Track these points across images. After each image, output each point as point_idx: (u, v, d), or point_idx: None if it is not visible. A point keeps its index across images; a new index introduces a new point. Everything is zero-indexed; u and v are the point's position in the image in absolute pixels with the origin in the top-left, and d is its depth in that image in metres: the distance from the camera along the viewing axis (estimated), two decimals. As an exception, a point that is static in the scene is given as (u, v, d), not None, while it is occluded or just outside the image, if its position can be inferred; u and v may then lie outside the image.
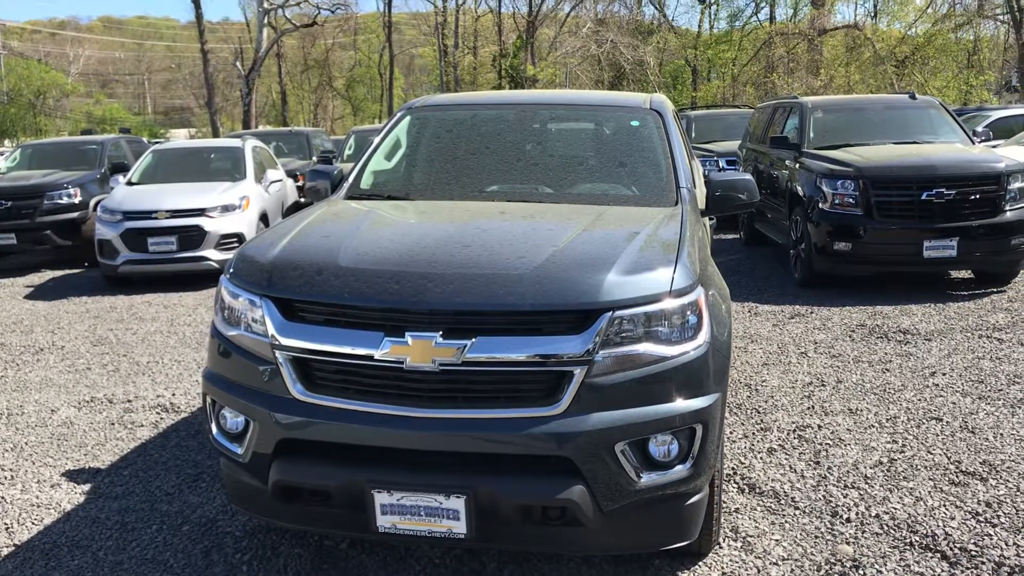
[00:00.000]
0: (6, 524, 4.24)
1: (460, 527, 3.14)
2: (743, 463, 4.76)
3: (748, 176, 4.52)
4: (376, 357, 3.14)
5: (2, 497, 4.56)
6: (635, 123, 4.81)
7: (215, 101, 45.51)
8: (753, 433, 5.21)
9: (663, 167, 4.47)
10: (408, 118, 5.06)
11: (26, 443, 5.38)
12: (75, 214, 12.84)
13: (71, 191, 13.00)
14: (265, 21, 41.00)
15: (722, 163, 14.15)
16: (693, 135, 15.77)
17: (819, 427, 5.26)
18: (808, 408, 5.62)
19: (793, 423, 5.34)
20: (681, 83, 41.49)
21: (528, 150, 4.76)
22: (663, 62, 40.39)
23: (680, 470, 3.26)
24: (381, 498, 3.17)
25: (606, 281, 3.16)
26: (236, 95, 48.87)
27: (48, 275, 12.38)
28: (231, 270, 3.57)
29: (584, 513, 3.12)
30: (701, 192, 4.71)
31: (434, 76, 45.88)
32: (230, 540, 4.00)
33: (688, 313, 3.27)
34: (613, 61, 34.72)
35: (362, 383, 3.21)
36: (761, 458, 4.82)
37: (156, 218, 10.72)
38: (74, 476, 4.83)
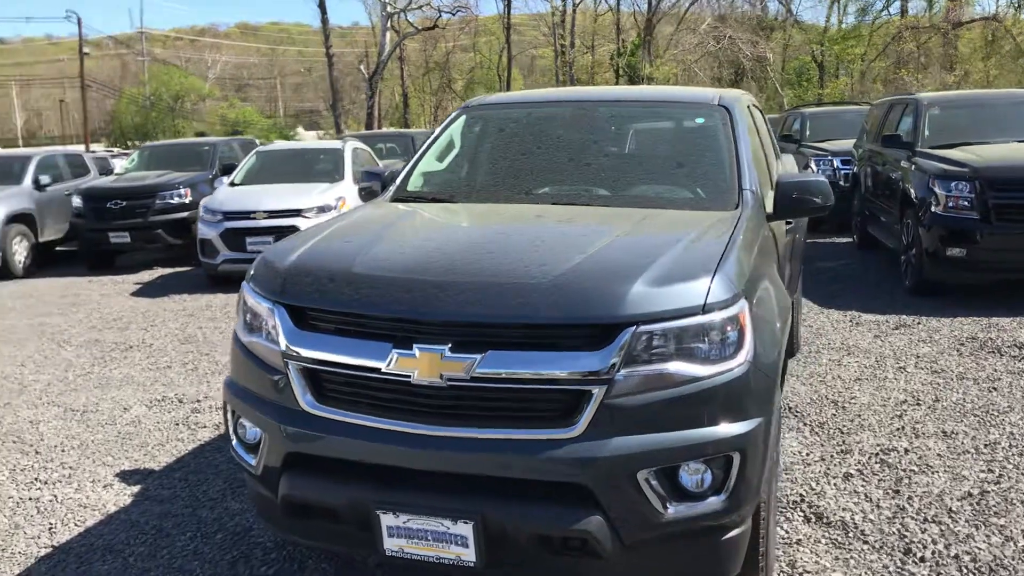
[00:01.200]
0: (51, 524, 4.26)
1: (469, 554, 2.92)
2: (814, 489, 4.37)
3: (821, 177, 4.14)
4: (383, 370, 2.95)
5: (55, 496, 4.60)
6: (700, 120, 4.49)
7: (343, 104, 46.64)
8: (831, 456, 4.80)
9: (726, 167, 4.13)
10: (463, 117, 4.87)
11: (92, 440, 5.45)
12: (185, 213, 13.20)
13: (182, 191, 13.38)
14: (388, 25, 41.74)
15: (836, 163, 13.47)
16: (808, 133, 15.08)
17: (906, 451, 4.81)
18: (897, 429, 5.16)
19: (878, 445, 4.90)
20: (806, 80, 40.04)
21: (584, 150, 4.49)
22: (787, 59, 39.09)
23: (714, 502, 2.95)
24: (387, 520, 2.98)
25: (631, 292, 2.88)
26: (362, 98, 49.96)
27: (158, 272, 12.80)
28: (251, 274, 3.46)
29: (602, 545, 2.86)
30: None
31: (552, 76, 45.84)
32: (259, 552, 3.89)
33: (727, 329, 2.96)
34: (732, 58, 33.77)
35: (371, 397, 3.04)
36: (835, 484, 4.42)
37: (254, 218, 10.91)
38: (128, 477, 4.84)
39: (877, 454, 4.79)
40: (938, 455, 4.75)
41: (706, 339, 2.93)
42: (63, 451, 5.28)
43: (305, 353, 3.09)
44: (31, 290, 11.76)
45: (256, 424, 3.26)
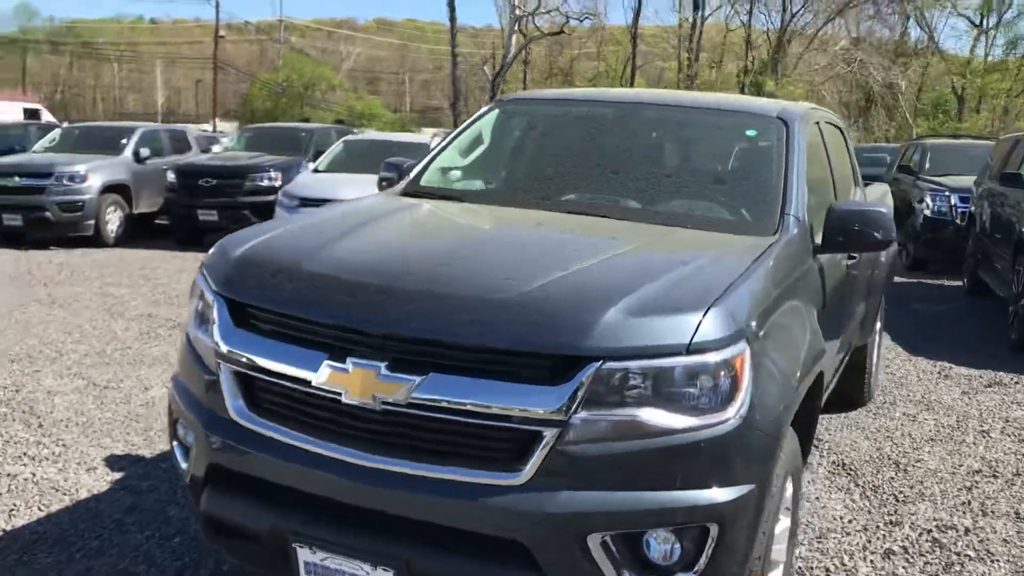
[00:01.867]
0: (14, 505, 4.04)
1: (393, 604, 2.52)
2: (845, 565, 3.79)
3: (882, 208, 3.57)
4: (313, 384, 2.58)
5: (34, 475, 4.40)
6: (751, 132, 3.96)
7: (465, 103, 46.85)
8: (877, 526, 4.19)
9: (771, 188, 3.60)
10: (496, 111, 4.46)
11: (99, 419, 5.26)
12: (273, 196, 13.17)
13: (272, 174, 13.39)
14: (516, 28, 41.73)
15: (954, 199, 12.46)
16: (927, 166, 14.06)
17: (967, 531, 4.16)
18: (963, 503, 4.50)
19: (935, 520, 4.27)
20: (943, 112, 38.05)
21: (618, 156, 4.03)
22: (923, 88, 37.22)
23: (684, 580, 2.48)
24: (304, 554, 2.61)
25: (602, 321, 2.43)
26: (485, 99, 50.13)
27: (240, 253, 12.80)
28: (205, 260, 3.14)
29: None
30: None
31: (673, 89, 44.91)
32: (211, 562, 3.57)
33: (719, 374, 2.48)
34: (862, 82, 32.28)
35: (301, 413, 2.67)
36: (872, 561, 3.83)
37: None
38: (115, 462, 4.61)
39: (931, 530, 4.16)
40: (1004, 540, 4.09)
41: (688, 384, 2.46)
42: (66, 427, 5.10)
43: (237, 354, 2.74)
44: (114, 259, 11.92)
45: (187, 427, 2.95)
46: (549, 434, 2.39)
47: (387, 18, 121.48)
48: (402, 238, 3.20)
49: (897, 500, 4.52)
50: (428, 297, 2.56)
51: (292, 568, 2.64)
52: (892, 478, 4.83)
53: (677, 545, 2.47)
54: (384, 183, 4.39)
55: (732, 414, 2.49)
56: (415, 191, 3.99)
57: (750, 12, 39.56)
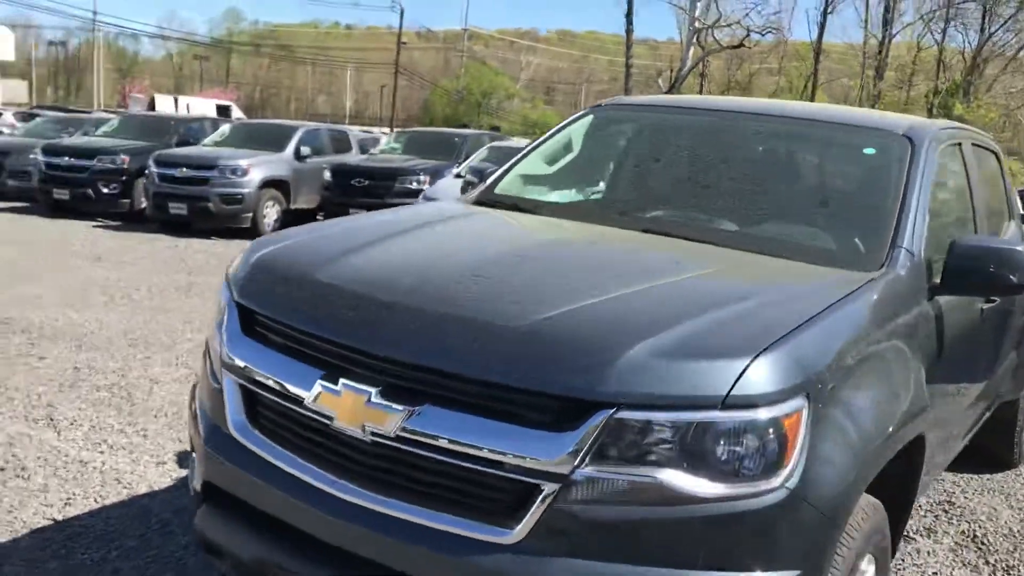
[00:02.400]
0: (72, 495, 4.00)
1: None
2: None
3: (1018, 246, 2.99)
4: (306, 403, 2.34)
5: (104, 463, 4.36)
6: (869, 151, 3.43)
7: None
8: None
9: (882, 215, 3.09)
10: (590, 117, 4.09)
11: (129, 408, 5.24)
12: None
13: (421, 177, 13.48)
14: (694, 40, 40.91)
15: None
16: None
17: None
18: (1116, 603, 3.79)
19: (1076, 621, 3.60)
20: None
21: (717, 171, 3.60)
22: None
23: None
24: (286, 590, 2.36)
25: (619, 360, 2.05)
26: (659, 111, 49.26)
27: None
28: (232, 262, 2.95)
29: None
30: None
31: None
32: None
33: (767, 434, 2.06)
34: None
35: (294, 435, 2.43)
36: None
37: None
38: (186, 458, 4.50)
39: (1068, 632, 3.50)
40: None
41: (722, 445, 2.04)
42: (154, 417, 5.10)
43: (240, 363, 2.53)
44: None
45: (192, 437, 2.77)
46: (548, 488, 2.04)
47: (569, 29, 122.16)
48: (435, 250, 2.90)
49: (1034, 587, 3.87)
50: (431, 317, 2.26)
51: None
52: (1033, 560, 4.15)
53: (696, 636, 2.06)
54: (468, 188, 4.12)
55: (777, 484, 2.07)
56: (488, 199, 3.68)
57: (944, 30, 37.15)
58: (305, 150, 14.68)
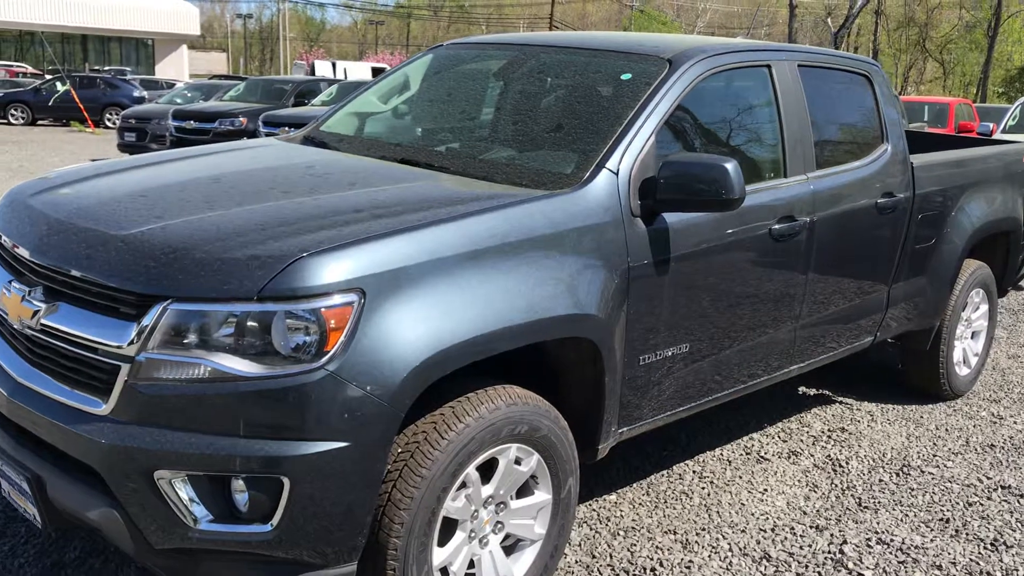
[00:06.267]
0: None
1: (34, 513, 2.73)
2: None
3: (720, 160, 3.02)
4: None
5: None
6: (626, 76, 3.51)
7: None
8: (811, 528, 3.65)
9: (600, 138, 3.19)
10: (430, 56, 4.33)
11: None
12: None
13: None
14: (868, -24, 38.86)
15: None
16: None
17: (923, 548, 3.49)
18: (940, 520, 3.77)
19: (876, 533, 3.62)
20: None
21: (496, 105, 3.81)
22: None
23: (258, 530, 2.46)
24: (-6, 462, 2.88)
25: (176, 261, 2.47)
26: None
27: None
28: None
29: (123, 542, 2.52)
30: None
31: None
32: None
33: (307, 323, 2.38)
34: None
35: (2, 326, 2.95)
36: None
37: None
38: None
39: (877, 537, 3.55)
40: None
41: (258, 332, 2.40)
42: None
43: None
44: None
45: None
46: (124, 369, 2.45)
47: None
48: (151, 180, 3.23)
49: (860, 506, 3.89)
50: (71, 230, 2.72)
51: None
52: (882, 482, 4.15)
53: (246, 495, 2.43)
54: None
55: (317, 366, 2.37)
56: (314, 136, 4.00)
57: None
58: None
